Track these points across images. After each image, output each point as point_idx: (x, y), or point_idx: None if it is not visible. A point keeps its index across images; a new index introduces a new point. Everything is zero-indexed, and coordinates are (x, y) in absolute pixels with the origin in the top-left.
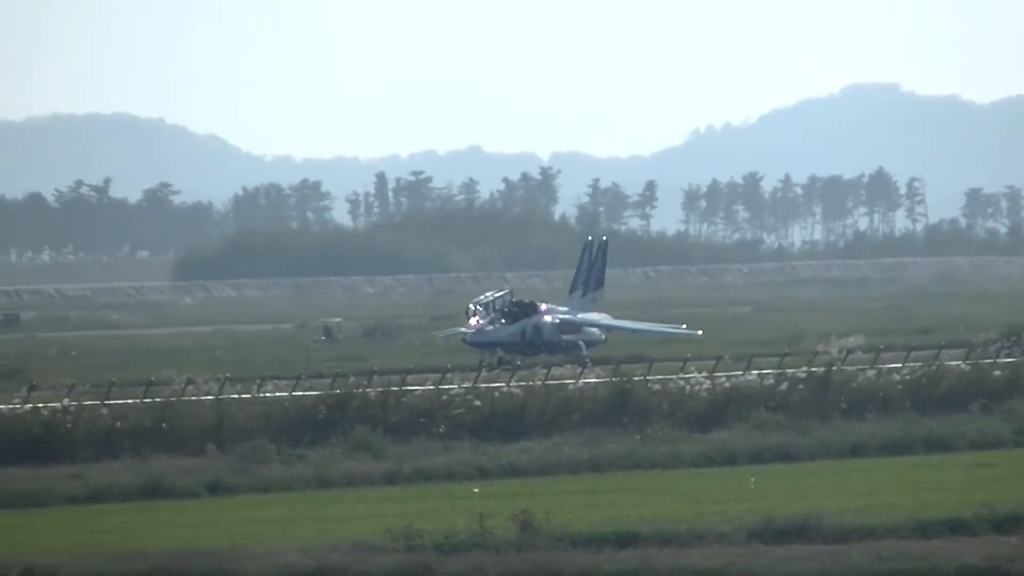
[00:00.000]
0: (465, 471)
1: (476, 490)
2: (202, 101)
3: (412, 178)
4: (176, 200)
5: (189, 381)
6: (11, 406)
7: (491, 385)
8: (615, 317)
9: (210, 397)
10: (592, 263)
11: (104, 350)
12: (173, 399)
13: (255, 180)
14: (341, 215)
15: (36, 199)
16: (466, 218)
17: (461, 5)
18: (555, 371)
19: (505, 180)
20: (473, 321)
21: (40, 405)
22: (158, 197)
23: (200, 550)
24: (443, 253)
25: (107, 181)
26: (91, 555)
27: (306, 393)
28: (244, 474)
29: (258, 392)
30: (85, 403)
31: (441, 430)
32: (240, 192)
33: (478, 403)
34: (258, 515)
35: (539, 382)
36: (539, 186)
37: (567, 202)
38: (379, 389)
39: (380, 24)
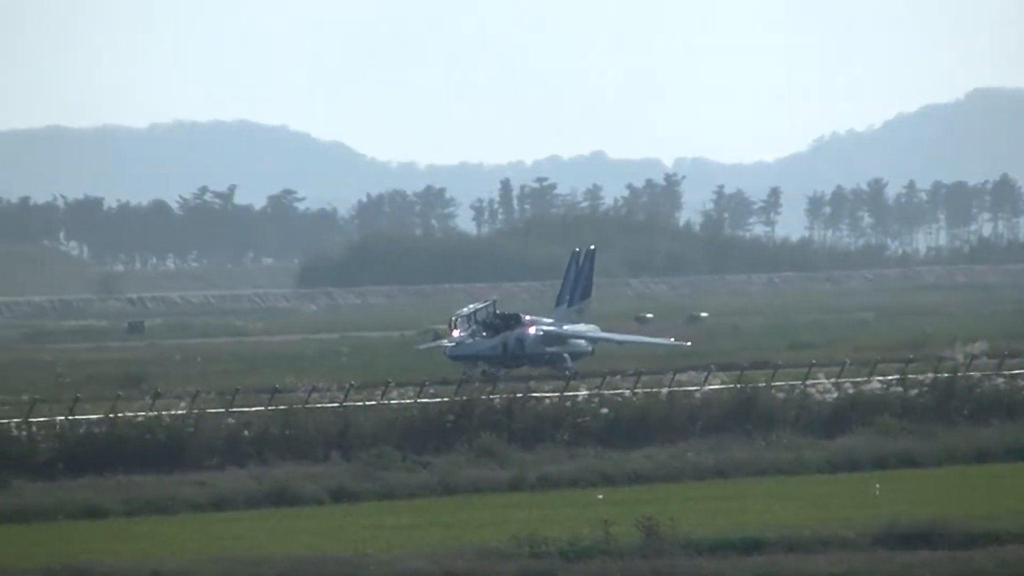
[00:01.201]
0: (590, 478)
1: (600, 496)
2: (326, 107)
3: (536, 185)
4: (300, 207)
5: (314, 388)
6: (136, 413)
7: (615, 392)
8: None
9: (335, 404)
10: (579, 273)
11: (228, 357)
12: (298, 406)
13: (379, 187)
14: (465, 222)
15: (160, 206)
16: (590, 224)
17: (584, 12)
18: (679, 377)
19: (629, 186)
20: (455, 334)
21: (165, 412)
22: (282, 204)
23: (325, 557)
24: (567, 260)
25: (231, 188)
26: (216, 562)
27: (431, 400)
28: (369, 481)
29: (383, 399)
30: (209, 410)
31: (566, 437)
32: (364, 199)
33: (604, 410)
34: (383, 522)
35: (664, 389)
36: (663, 192)
37: (691, 208)
38: (504, 396)
39: (505, 30)
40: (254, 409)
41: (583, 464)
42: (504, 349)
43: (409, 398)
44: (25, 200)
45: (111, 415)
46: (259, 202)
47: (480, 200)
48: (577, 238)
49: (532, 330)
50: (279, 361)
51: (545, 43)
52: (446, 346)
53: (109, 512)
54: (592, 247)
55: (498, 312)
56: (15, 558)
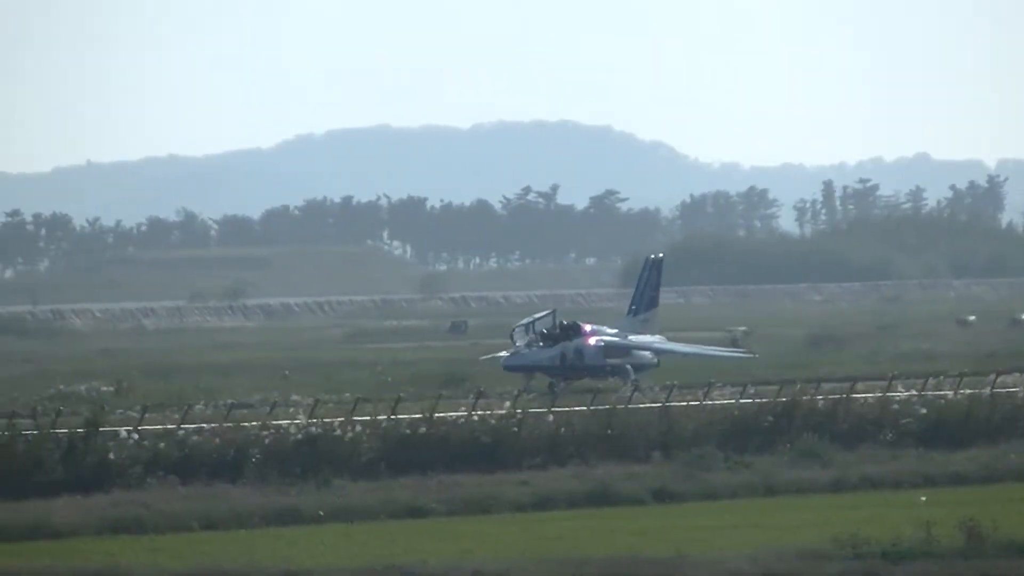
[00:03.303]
0: (911, 479)
1: (923, 498)
2: (649, 108)
3: (859, 186)
4: (623, 207)
5: (636, 388)
6: (459, 413)
7: (937, 393)
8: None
9: (657, 404)
10: (647, 282)
11: None
12: (620, 406)
13: (702, 187)
14: (788, 222)
15: (483, 206)
16: (913, 226)
17: (915, 10)
18: (1003, 379)
19: (952, 188)
20: (520, 344)
21: (487, 412)
22: (605, 204)
23: (646, 557)
24: (889, 260)
25: (554, 188)
26: (537, 562)
27: (752, 400)
28: (690, 481)
29: (704, 399)
30: (531, 410)
31: (888, 438)
32: (687, 199)
33: (924, 411)
34: (704, 522)
35: (986, 390)
36: (985, 194)
37: (1014, 209)
38: (827, 396)
39: (832, 29)
40: (576, 409)
41: (905, 465)
42: (563, 360)
43: (730, 398)
44: (349, 199)
45: (433, 414)
46: (581, 202)
47: (802, 201)
48: (899, 240)
49: (593, 341)
50: None
51: (868, 43)
52: (502, 357)
53: (431, 511)
54: (660, 255)
55: (558, 321)
56: (339, 558)
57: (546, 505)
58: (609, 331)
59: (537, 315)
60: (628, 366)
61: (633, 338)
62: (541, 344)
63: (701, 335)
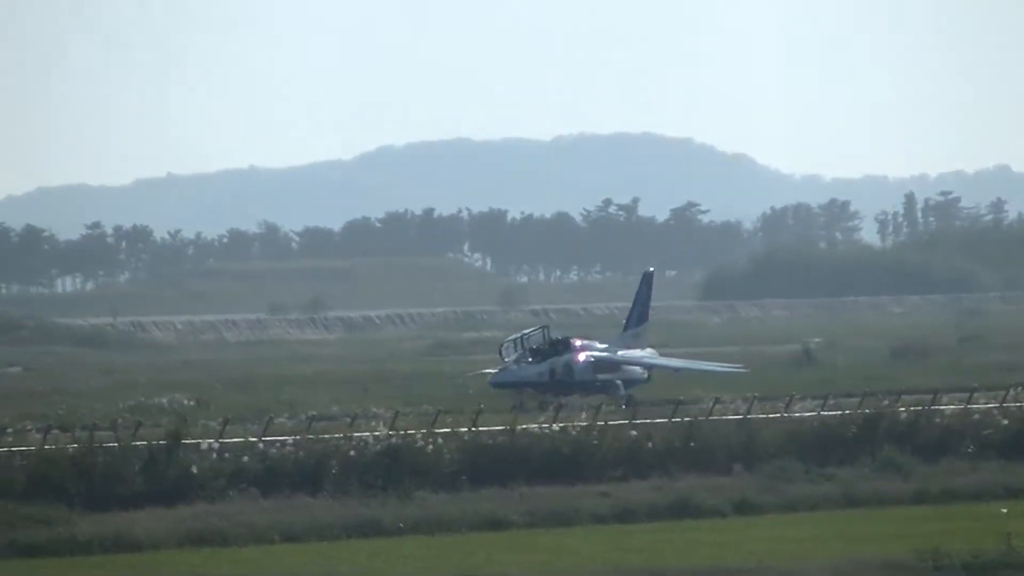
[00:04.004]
0: (992, 490)
1: (1004, 510)
2: (731, 120)
3: (941, 198)
4: (703, 219)
5: (717, 400)
6: (539, 424)
7: (1019, 404)
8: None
9: (738, 416)
10: (636, 297)
11: None
12: (701, 418)
13: (783, 199)
14: (869, 235)
15: (564, 218)
16: (994, 238)
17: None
18: None
19: None
20: (509, 360)
21: (568, 424)
22: (686, 216)
23: (726, 568)
24: (970, 273)
25: (635, 200)
26: (617, 573)
27: (834, 412)
28: (771, 493)
29: (785, 411)
30: (612, 422)
31: (969, 449)
32: (768, 211)
33: (1005, 422)
34: (785, 534)
35: None
36: None
37: None
38: (909, 408)
39: (916, 43)
40: (657, 421)
41: (986, 477)
42: (552, 376)
43: (811, 410)
44: (430, 211)
45: (514, 426)
46: (662, 215)
47: (884, 213)
48: (980, 252)
49: (582, 356)
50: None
51: (951, 55)
52: (488, 373)
53: (511, 523)
54: (651, 270)
55: (547, 337)
56: (420, 570)
57: (627, 517)
58: (599, 346)
59: (526, 330)
60: (618, 381)
61: (623, 353)
62: (530, 360)
63: (771, 349)
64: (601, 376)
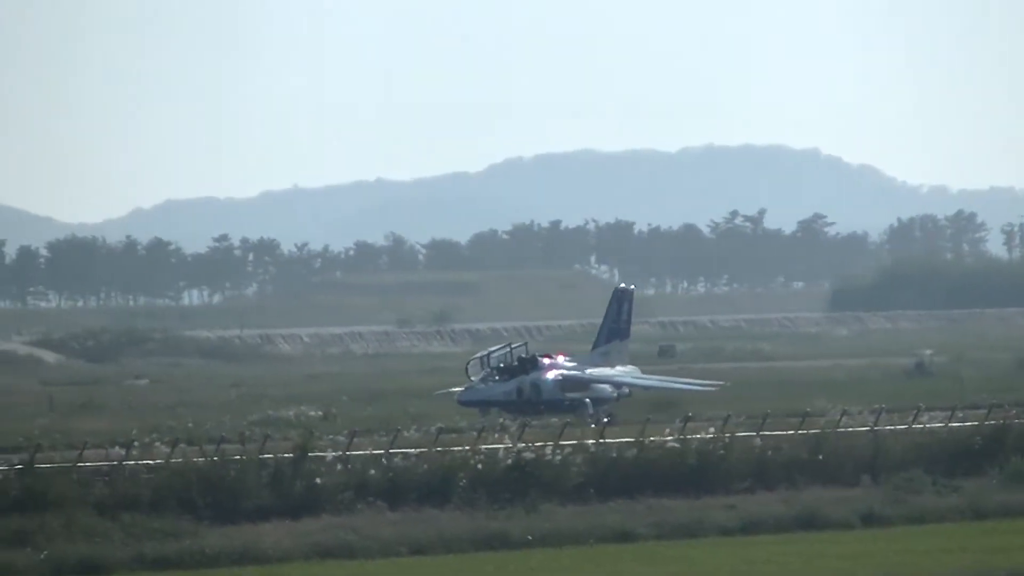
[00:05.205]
0: None
1: None
2: (857, 131)
3: None
4: (830, 231)
5: (844, 412)
6: (665, 437)
7: None
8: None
9: (865, 428)
10: (607, 314)
11: (758, 382)
12: (828, 430)
13: (909, 210)
14: (996, 246)
15: (691, 230)
16: None
17: None
18: None
19: None
20: (475, 379)
21: (694, 436)
22: (813, 228)
23: None
24: None
25: (761, 212)
26: None
27: (961, 424)
28: (898, 505)
29: (913, 423)
30: (739, 434)
31: None
32: (895, 223)
33: None
34: (913, 546)
35: None
36: None
37: None
38: None
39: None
40: (784, 433)
41: None
42: (519, 395)
43: (939, 422)
44: (557, 223)
45: (641, 439)
46: (789, 226)
47: (1010, 224)
48: None
49: (550, 375)
50: (809, 386)
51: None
52: (455, 392)
53: (638, 536)
54: (622, 286)
55: (514, 355)
56: None
57: (753, 529)
58: (567, 365)
59: (493, 348)
60: (587, 400)
61: (592, 371)
62: (497, 378)
63: (899, 360)
64: (569, 395)
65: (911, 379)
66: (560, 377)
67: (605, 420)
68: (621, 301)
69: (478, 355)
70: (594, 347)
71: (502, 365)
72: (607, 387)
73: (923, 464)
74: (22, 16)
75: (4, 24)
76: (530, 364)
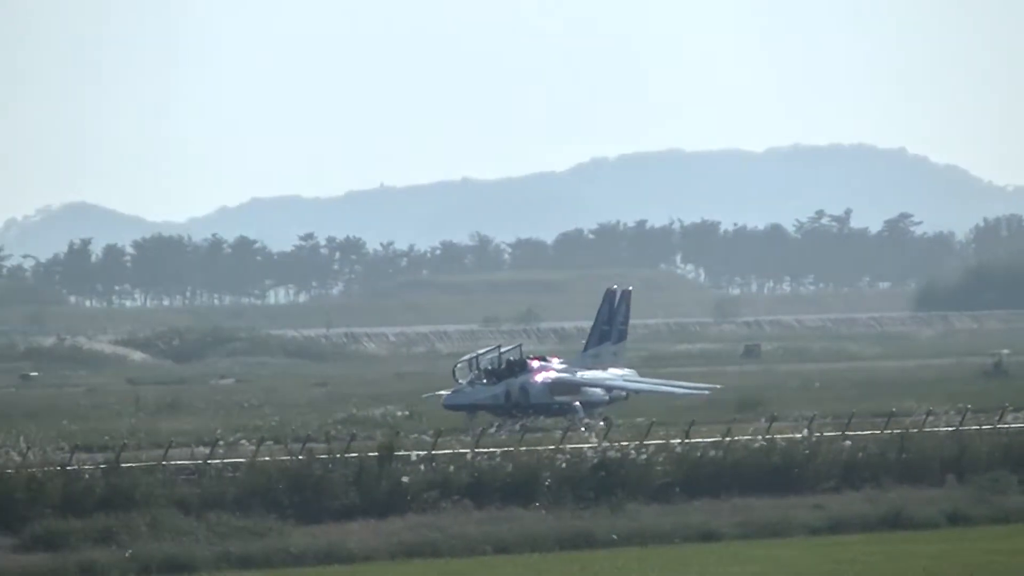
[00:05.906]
0: None
1: None
2: (944, 131)
3: None
4: (916, 231)
5: (929, 412)
6: (751, 437)
7: None
8: None
9: (950, 428)
10: (599, 316)
11: (844, 382)
12: (914, 430)
13: (996, 210)
14: None
15: (777, 229)
16: None
17: None
18: None
19: None
20: (463, 381)
21: (780, 436)
22: (899, 228)
23: None
24: None
25: (847, 211)
26: None
27: None
28: (984, 505)
29: (999, 423)
30: (826, 434)
31: None
32: (981, 222)
33: None
34: (998, 546)
35: None
36: None
37: None
38: None
39: None
40: (870, 433)
41: None
42: (507, 398)
43: (1021, 423)
44: (642, 223)
45: (727, 438)
46: (875, 226)
47: None
48: None
49: (539, 377)
50: (895, 386)
51: None
52: (441, 395)
53: (723, 535)
54: (615, 287)
55: (503, 357)
56: None
57: (839, 529)
58: (557, 367)
59: (480, 350)
60: (577, 404)
61: (583, 374)
62: (485, 381)
63: (969, 360)
64: (559, 398)
65: (989, 379)
66: (550, 380)
67: (602, 424)
68: (613, 302)
69: (466, 357)
70: (585, 349)
71: (490, 368)
72: (599, 390)
73: (1009, 464)
74: (116, 19)
75: (97, 27)
76: (519, 367)
